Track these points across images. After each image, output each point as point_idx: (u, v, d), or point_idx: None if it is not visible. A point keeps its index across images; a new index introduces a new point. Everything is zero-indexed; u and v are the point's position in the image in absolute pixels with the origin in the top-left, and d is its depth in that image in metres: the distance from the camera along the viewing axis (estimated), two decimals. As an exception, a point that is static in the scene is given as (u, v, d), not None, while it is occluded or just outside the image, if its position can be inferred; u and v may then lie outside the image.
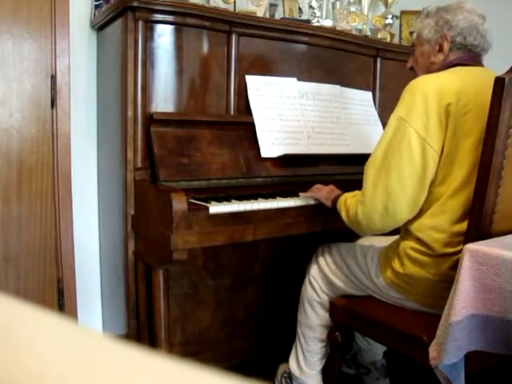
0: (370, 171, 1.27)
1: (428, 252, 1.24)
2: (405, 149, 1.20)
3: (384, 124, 2.03)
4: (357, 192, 1.33)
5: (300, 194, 1.59)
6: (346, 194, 1.38)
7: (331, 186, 1.52)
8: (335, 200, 1.41)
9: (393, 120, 1.24)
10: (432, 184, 1.23)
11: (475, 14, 1.30)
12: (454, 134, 1.19)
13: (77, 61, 1.91)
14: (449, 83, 1.22)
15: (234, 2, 1.87)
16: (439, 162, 1.21)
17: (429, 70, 1.36)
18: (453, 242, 1.21)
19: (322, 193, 1.51)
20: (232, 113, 1.76)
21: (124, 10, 1.55)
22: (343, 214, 1.34)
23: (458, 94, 1.19)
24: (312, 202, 1.57)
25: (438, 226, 1.22)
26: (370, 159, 1.29)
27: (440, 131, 1.19)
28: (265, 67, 1.84)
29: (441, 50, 1.33)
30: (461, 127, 1.19)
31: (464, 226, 1.17)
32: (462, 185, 1.20)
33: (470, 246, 1.00)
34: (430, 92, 1.20)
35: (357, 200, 1.30)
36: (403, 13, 2.40)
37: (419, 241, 1.25)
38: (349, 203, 1.33)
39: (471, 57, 1.32)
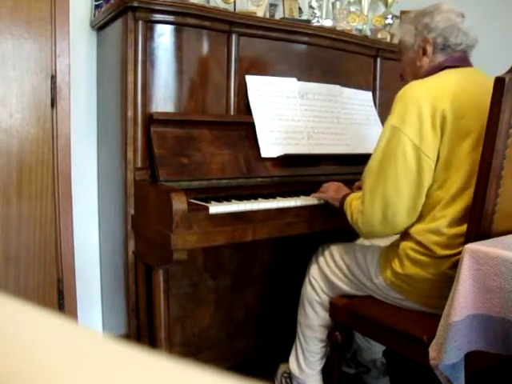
0: (367, 180, 1.28)
1: (428, 253, 1.24)
2: (400, 158, 1.20)
3: (384, 124, 2.04)
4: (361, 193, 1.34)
5: (311, 194, 1.60)
6: (352, 195, 1.39)
7: (338, 184, 1.54)
8: (342, 200, 1.42)
9: (386, 129, 1.25)
10: (431, 188, 1.23)
11: (453, 13, 1.31)
12: (450, 139, 1.19)
13: (77, 61, 1.91)
14: (441, 88, 1.21)
15: (234, 2, 1.87)
16: (435, 167, 1.21)
17: (417, 75, 1.35)
18: (453, 244, 1.20)
19: (330, 193, 1.53)
20: (232, 113, 1.76)
21: (124, 10, 1.55)
22: (348, 216, 1.36)
23: (452, 98, 1.19)
24: (312, 202, 1.57)
25: (437, 229, 1.22)
26: (366, 168, 1.31)
27: (434, 137, 1.19)
28: (265, 67, 1.84)
29: (425, 53, 1.33)
30: (457, 131, 1.18)
31: (464, 228, 1.16)
32: (462, 189, 1.19)
33: (470, 246, 1.00)
34: (422, 98, 1.19)
35: (357, 209, 1.31)
36: (403, 13, 2.39)
37: (419, 243, 1.25)
38: (353, 207, 1.34)
39: (459, 58, 1.32)
